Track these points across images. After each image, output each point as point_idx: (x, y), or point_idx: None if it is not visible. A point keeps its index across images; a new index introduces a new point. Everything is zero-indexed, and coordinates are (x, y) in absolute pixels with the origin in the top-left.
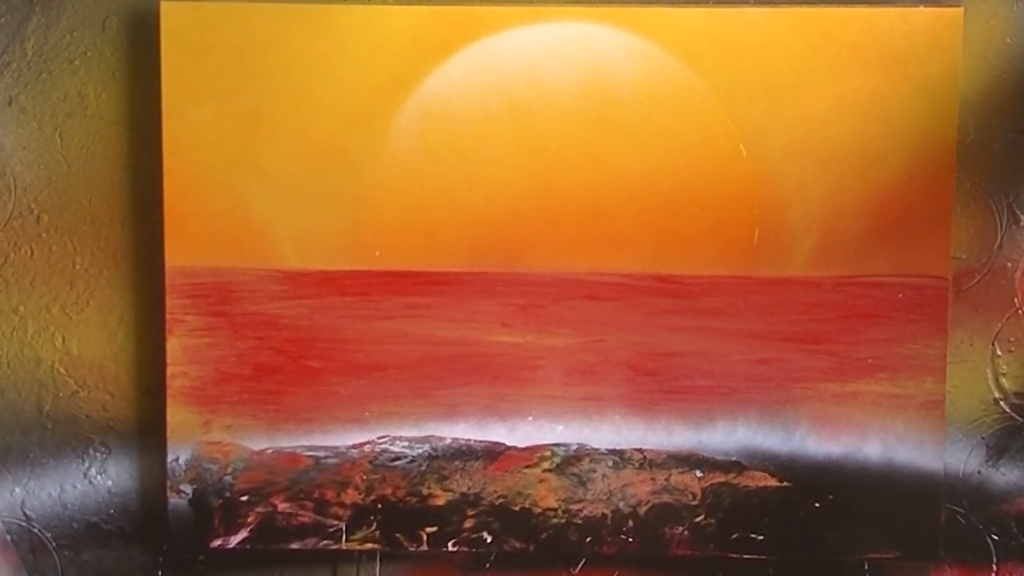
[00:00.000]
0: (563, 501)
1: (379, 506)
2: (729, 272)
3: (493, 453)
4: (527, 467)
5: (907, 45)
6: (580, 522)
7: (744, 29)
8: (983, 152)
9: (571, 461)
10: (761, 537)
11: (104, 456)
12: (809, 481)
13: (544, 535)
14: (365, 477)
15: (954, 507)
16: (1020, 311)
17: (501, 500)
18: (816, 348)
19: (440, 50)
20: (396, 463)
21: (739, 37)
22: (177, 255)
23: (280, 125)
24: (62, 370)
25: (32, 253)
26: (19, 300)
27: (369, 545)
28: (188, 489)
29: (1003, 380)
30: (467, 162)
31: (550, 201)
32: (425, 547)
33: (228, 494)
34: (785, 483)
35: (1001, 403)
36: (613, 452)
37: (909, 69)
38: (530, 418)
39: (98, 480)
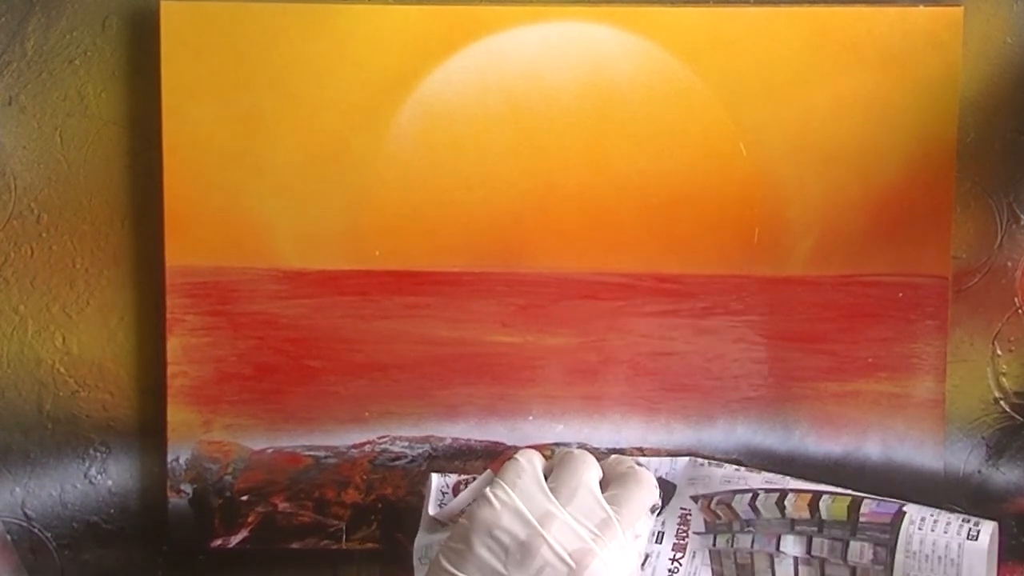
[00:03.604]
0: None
1: (379, 506)
2: (729, 271)
3: (493, 452)
4: None
5: (907, 44)
6: None
7: (744, 28)
8: (983, 152)
9: None
10: None
11: (104, 456)
12: (808, 480)
13: None
14: (365, 477)
15: (954, 506)
16: (1020, 310)
17: None
18: (816, 347)
19: (440, 49)
20: (396, 463)
21: (739, 37)
22: (177, 255)
23: (280, 125)
24: (62, 370)
25: (32, 252)
26: (19, 299)
27: (369, 545)
28: (188, 489)
29: (1003, 379)
30: (467, 162)
31: (550, 201)
32: None
33: (228, 494)
34: None
35: (1001, 402)
36: (613, 451)
37: (909, 68)
38: (530, 417)
39: (98, 480)
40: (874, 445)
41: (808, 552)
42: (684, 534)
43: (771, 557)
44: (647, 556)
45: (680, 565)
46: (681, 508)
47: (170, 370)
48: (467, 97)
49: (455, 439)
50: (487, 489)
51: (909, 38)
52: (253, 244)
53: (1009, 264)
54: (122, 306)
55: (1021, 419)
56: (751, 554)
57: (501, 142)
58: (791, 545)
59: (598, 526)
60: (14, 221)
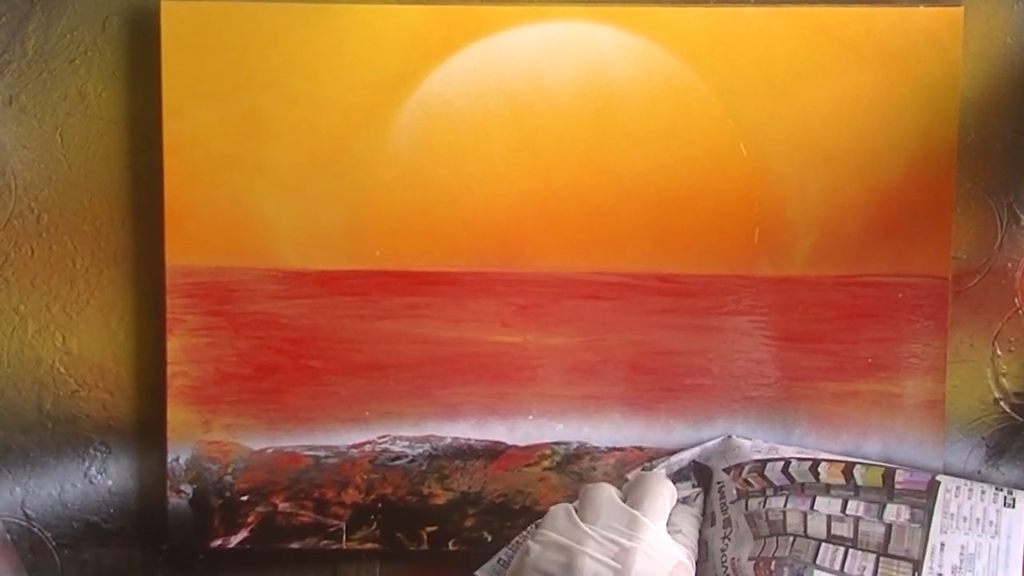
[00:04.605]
0: (564, 499)
1: (379, 505)
2: (729, 271)
3: (493, 452)
4: (527, 466)
5: (907, 44)
6: None
7: (744, 28)
8: (983, 152)
9: (571, 459)
10: None
11: (104, 455)
12: None
13: None
14: (365, 476)
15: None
16: (1020, 311)
17: (502, 499)
18: (816, 347)
19: (440, 49)
20: (396, 462)
21: (739, 36)
22: (177, 255)
23: (280, 125)
24: (62, 369)
25: (32, 252)
26: (19, 299)
27: (369, 545)
28: (188, 489)
29: (1003, 380)
30: (467, 162)
31: (550, 201)
32: (425, 546)
33: (228, 494)
34: None
35: (1001, 403)
36: (613, 450)
37: (909, 68)
38: (530, 417)
39: (98, 479)
40: (873, 445)
41: (843, 511)
42: (725, 507)
43: (804, 515)
44: (707, 543)
45: (730, 540)
46: (717, 483)
47: (170, 370)
48: (467, 97)
49: (455, 438)
50: (527, 540)
51: (909, 38)
52: (253, 244)
53: (1009, 265)
54: (122, 306)
55: (1021, 419)
56: (783, 512)
57: (501, 142)
58: (825, 505)
59: (628, 526)
60: (14, 221)
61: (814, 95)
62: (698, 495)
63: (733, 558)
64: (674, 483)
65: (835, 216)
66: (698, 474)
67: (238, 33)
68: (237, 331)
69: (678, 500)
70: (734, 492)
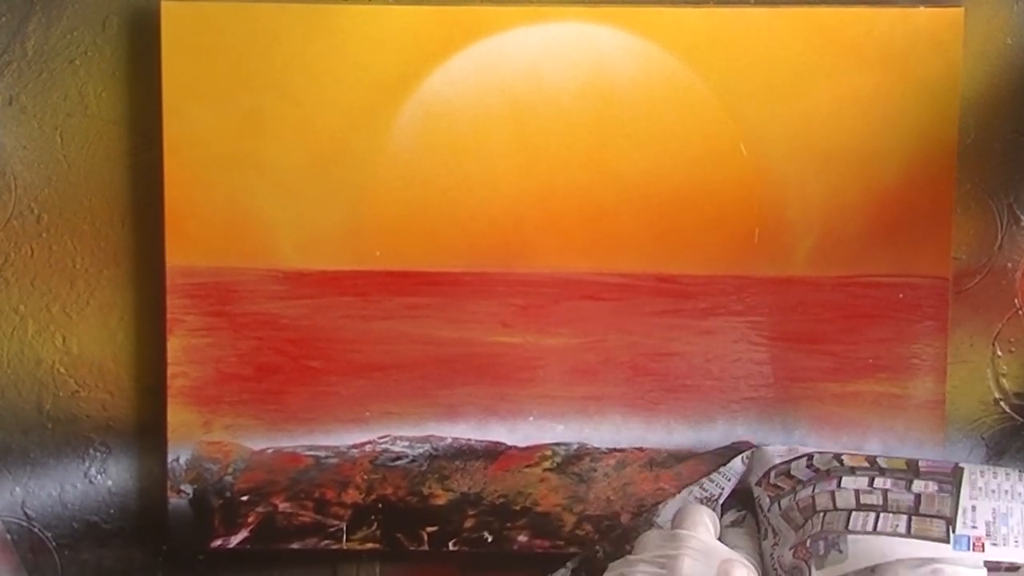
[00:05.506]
0: (564, 500)
1: (380, 506)
2: (729, 272)
3: (494, 453)
4: (527, 467)
5: (907, 45)
6: (581, 521)
7: (744, 29)
8: (983, 152)
9: (571, 460)
10: None
11: (104, 456)
12: None
13: (545, 534)
14: (366, 477)
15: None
16: (1020, 311)
17: (502, 500)
18: (816, 348)
19: (441, 50)
20: (397, 463)
21: (739, 37)
22: (177, 255)
23: (281, 125)
24: (62, 370)
25: (32, 252)
26: (19, 299)
27: (369, 545)
28: (188, 489)
29: (1003, 380)
30: (467, 162)
31: (550, 201)
32: (426, 547)
33: (228, 494)
34: None
35: (1001, 403)
36: (613, 451)
37: (909, 69)
38: (530, 418)
39: (98, 480)
40: (874, 445)
41: (870, 486)
42: (766, 518)
43: (832, 493)
44: (763, 555)
45: (777, 545)
46: (756, 498)
47: (170, 370)
48: (467, 97)
49: (455, 439)
50: None
51: (910, 39)
52: (253, 244)
53: (1009, 265)
54: (122, 306)
55: (1021, 420)
56: (812, 497)
57: (501, 142)
58: (852, 483)
59: (671, 541)
60: (14, 221)
61: (814, 96)
62: (745, 516)
63: (779, 556)
64: (722, 512)
65: (835, 216)
66: (740, 498)
67: (238, 33)
68: (237, 331)
69: (729, 524)
70: (767, 500)
